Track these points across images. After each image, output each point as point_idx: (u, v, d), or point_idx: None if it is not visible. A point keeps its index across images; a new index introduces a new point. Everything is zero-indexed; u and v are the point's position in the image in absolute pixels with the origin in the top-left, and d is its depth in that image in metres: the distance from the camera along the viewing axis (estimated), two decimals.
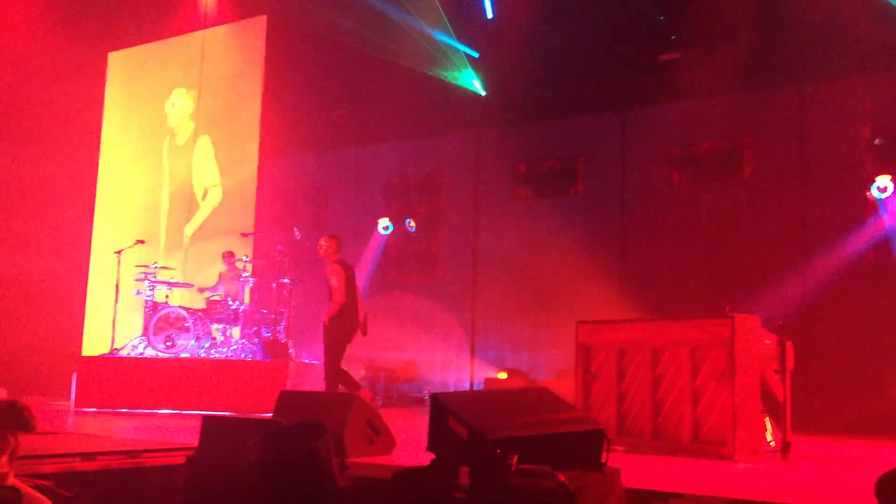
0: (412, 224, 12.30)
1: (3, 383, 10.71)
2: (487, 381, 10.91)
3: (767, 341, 6.13)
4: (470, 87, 12.02)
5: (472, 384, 11.56)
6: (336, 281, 8.10)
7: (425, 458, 4.35)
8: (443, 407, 3.96)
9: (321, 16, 12.05)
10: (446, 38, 11.79)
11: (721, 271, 9.90)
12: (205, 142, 12.73)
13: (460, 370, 11.84)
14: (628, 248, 10.85)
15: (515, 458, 3.65)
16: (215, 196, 12.54)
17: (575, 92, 11.14)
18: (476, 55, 11.98)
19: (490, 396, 5.04)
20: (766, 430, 6.05)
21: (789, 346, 6.17)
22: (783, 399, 6.10)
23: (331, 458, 3.64)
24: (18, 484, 2.88)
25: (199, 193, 12.70)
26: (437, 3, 11.53)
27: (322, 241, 8.40)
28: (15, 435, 2.94)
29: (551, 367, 10.68)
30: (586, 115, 11.41)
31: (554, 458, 3.70)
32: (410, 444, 5.64)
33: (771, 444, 6.05)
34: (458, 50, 11.92)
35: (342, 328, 8.06)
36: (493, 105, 11.96)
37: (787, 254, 9.62)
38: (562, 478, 3.36)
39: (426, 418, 4.05)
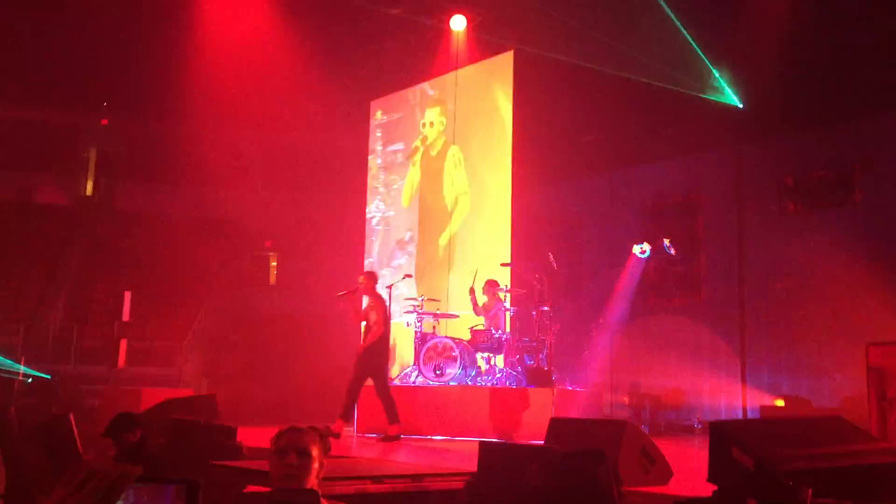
0: (670, 246, 11.95)
1: (297, 412, 11.75)
2: (763, 408, 10.24)
3: None
4: (725, 101, 11.52)
5: (744, 412, 10.92)
6: (375, 315, 9.04)
7: (706, 489, 4.17)
8: (725, 435, 3.80)
9: (565, 45, 12.17)
10: (697, 52, 11.40)
11: None
12: (454, 152, 13.31)
13: (731, 397, 11.24)
14: None
15: (810, 491, 3.42)
16: (464, 205, 13.02)
17: (846, 94, 10.27)
18: (730, 67, 11.46)
19: (777, 425, 4.74)
20: None
21: None
22: None
23: (612, 485, 3.61)
24: (325, 502, 3.12)
25: (449, 203, 13.27)
26: (683, 17, 11.20)
27: (360, 279, 9.31)
28: (322, 459, 3.21)
29: (836, 394, 9.82)
30: (861, 118, 10.48)
31: (854, 493, 3.41)
32: (687, 474, 5.43)
33: None
34: (711, 63, 11.47)
35: (381, 355, 9.14)
36: (751, 117, 11.35)
37: None
38: None
39: (698, 447, 3.90)
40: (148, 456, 5.61)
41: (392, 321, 11.18)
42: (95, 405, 11.74)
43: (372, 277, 9.40)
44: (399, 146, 14.08)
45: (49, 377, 13.05)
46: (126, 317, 12.79)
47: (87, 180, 19.42)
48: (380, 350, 9.12)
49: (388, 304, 9.47)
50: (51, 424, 6.96)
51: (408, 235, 13.70)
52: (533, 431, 7.94)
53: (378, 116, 14.69)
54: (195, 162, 16.39)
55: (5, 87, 14.82)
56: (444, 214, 13.26)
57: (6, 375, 12.43)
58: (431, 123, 13.72)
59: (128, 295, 12.87)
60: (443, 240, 13.16)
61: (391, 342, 11.19)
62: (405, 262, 13.43)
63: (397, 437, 8.93)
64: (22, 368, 12.78)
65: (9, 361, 12.73)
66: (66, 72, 14.98)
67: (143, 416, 6.98)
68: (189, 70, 13.38)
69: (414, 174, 13.84)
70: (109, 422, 5.83)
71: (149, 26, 13.25)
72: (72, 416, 6.93)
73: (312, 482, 3.16)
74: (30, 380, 12.74)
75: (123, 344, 12.90)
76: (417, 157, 13.82)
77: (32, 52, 14.19)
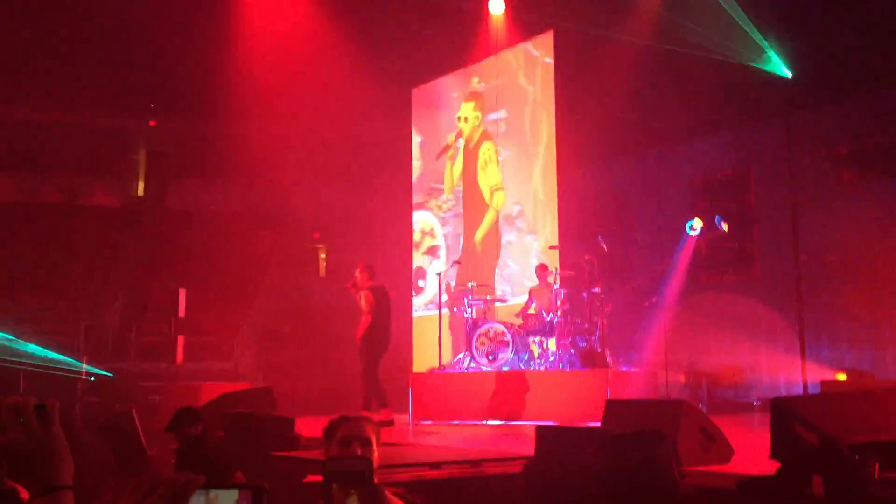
0: (721, 222, 11.74)
1: (350, 402, 11.86)
2: (824, 383, 10.02)
3: None
4: (775, 70, 11.23)
5: (805, 387, 10.71)
6: (366, 305, 9.58)
7: (768, 467, 4.09)
8: (787, 412, 3.72)
9: (606, 20, 11.99)
10: (745, 22, 11.14)
11: None
12: (486, 148, 13.21)
13: (790, 372, 11.02)
14: None
15: (877, 465, 3.34)
16: (499, 199, 12.94)
17: None
18: (779, 35, 11.17)
19: (840, 399, 4.63)
20: None
21: None
22: None
23: (671, 465, 3.57)
24: (381, 490, 3.13)
25: (486, 196, 13.20)
26: None
27: (356, 273, 9.79)
28: (378, 446, 3.22)
29: None
30: None
31: None
32: (748, 452, 5.34)
33: None
34: (760, 32, 11.20)
35: (373, 344, 9.55)
36: (802, 86, 11.06)
37: None
38: None
39: (759, 424, 3.82)
40: (209, 449, 5.72)
41: (444, 310, 11.24)
42: (156, 401, 12.00)
43: (367, 271, 9.82)
44: (502, 113, 13.45)
45: (110, 375, 13.38)
46: (182, 313, 13.05)
47: (138, 181, 19.77)
48: (370, 339, 9.58)
49: (384, 293, 9.80)
50: (115, 421, 7.13)
51: (515, 210, 12.99)
52: (589, 414, 7.89)
53: (474, 84, 14.13)
54: (243, 157, 16.58)
55: (53, 91, 15.14)
56: (482, 207, 13.19)
57: (70, 374, 12.77)
58: (466, 119, 13.62)
59: (183, 292, 13.12)
60: (479, 234, 13.12)
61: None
62: (514, 238, 12.88)
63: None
64: (84, 367, 13.13)
65: (72, 360, 13.08)
66: (113, 76, 15.26)
67: (203, 410, 7.11)
68: (233, 67, 13.51)
69: (453, 166, 13.80)
70: (172, 416, 5.94)
71: (191, 26, 13.41)
72: (134, 412, 7.09)
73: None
74: (92, 378, 13.08)
75: (181, 340, 13.16)
76: (455, 158, 13.78)
77: (78, 56, 14.47)
